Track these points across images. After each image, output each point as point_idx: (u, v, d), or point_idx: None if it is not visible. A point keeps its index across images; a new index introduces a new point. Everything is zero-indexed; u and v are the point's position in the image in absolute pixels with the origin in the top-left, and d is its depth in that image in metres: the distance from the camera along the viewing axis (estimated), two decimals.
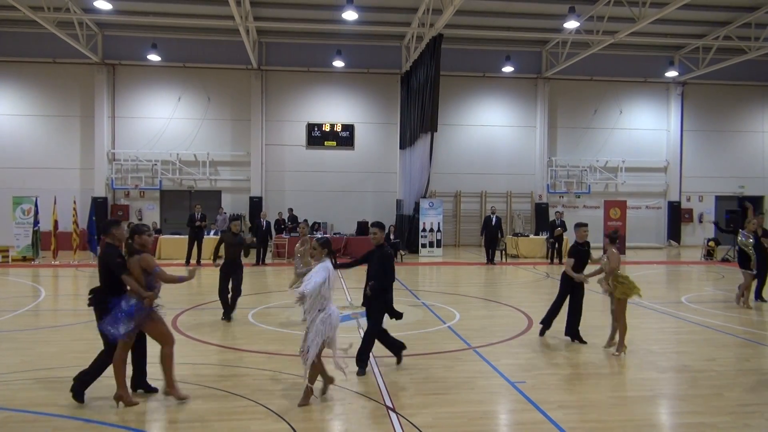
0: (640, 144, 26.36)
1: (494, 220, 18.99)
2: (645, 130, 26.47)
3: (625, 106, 26.34)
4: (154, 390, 5.87)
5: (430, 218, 21.34)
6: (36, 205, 18.79)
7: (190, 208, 22.15)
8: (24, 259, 18.27)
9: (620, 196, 25.43)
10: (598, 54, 23.28)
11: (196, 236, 17.88)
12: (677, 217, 26.44)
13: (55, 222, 18.94)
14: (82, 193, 23.22)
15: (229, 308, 9.66)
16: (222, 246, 9.95)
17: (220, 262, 9.98)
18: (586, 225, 8.56)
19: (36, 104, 23.63)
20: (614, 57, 25.32)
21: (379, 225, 6.99)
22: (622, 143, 26.24)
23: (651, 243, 25.92)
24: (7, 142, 23.31)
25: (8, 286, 13.30)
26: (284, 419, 5.19)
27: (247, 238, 11.27)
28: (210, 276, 15.63)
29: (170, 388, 5.65)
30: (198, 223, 17.98)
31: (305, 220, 20.87)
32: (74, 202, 19.91)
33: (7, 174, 23.03)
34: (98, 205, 22.59)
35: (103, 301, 5.52)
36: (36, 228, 18.57)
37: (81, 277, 15.69)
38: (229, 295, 9.67)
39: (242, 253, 10.08)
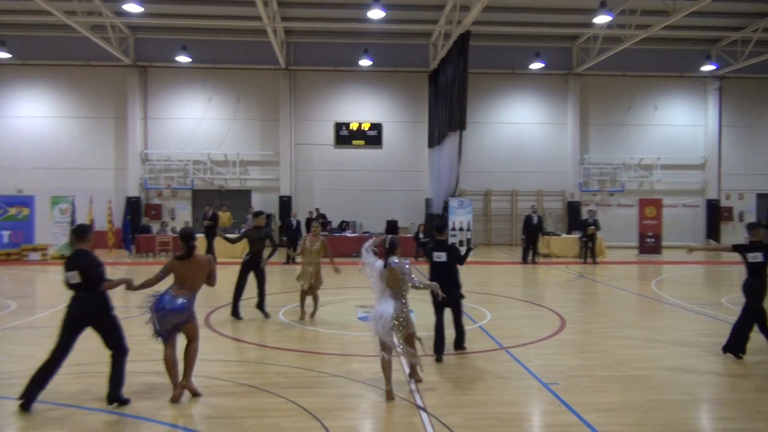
0: (676, 140, 25.70)
1: (535, 219, 18.70)
2: (681, 126, 25.81)
3: (660, 101, 25.73)
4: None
5: (459, 217, 21.17)
6: (73, 205, 19.29)
7: (219, 207, 22.44)
8: (62, 257, 18.69)
9: (656, 194, 24.85)
10: (631, 49, 22.77)
11: (207, 235, 18.15)
12: (716, 215, 25.71)
13: (91, 221, 19.38)
14: (116, 192, 23.72)
15: (238, 305, 9.62)
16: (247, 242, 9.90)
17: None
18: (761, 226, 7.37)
19: (71, 106, 24.21)
20: (648, 51, 24.72)
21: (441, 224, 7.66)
22: (658, 140, 25.63)
23: (688, 242, 25.26)
24: (44, 144, 23.94)
25: (47, 283, 13.64)
26: (316, 417, 5.18)
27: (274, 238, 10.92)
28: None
29: (188, 381, 5.71)
30: (206, 222, 18.28)
31: (318, 217, 21.01)
32: (109, 202, 20.36)
33: (46, 175, 23.64)
34: (132, 205, 23.06)
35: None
36: (73, 227, 19.01)
37: (116, 274, 16.00)
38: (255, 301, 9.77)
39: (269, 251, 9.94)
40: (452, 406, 5.54)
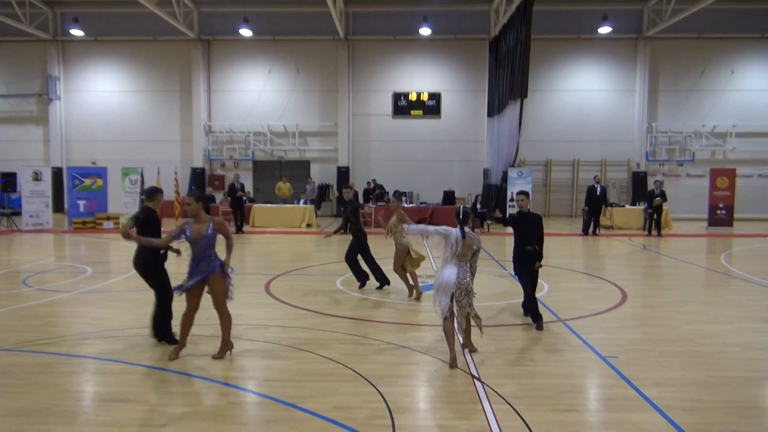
0: (753, 107, 24.17)
1: (599, 189, 18.14)
2: (760, 91, 24.21)
3: (736, 65, 24.18)
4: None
5: (518, 188, 20.75)
6: (142, 176, 20.17)
7: (279, 178, 22.94)
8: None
9: (729, 163, 23.58)
10: (707, 9, 21.42)
11: (237, 206, 18.55)
12: None
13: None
14: (182, 164, 24.64)
15: (365, 277, 9.68)
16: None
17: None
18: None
19: (140, 81, 25.13)
20: (725, 12, 23.20)
21: (525, 192, 7.34)
22: (733, 106, 24.18)
23: (764, 215, 23.91)
24: (115, 118, 25.05)
25: (120, 250, 14.39)
26: (371, 383, 5.32)
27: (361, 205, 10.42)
28: (300, 244, 16.19)
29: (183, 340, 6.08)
30: (239, 194, 18.65)
31: (375, 188, 21.19)
32: (175, 173, 21.18)
33: (117, 147, 24.79)
34: (197, 176, 23.88)
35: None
36: (143, 197, 19.89)
37: (183, 242, 16.70)
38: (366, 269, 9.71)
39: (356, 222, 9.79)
40: (507, 376, 5.55)
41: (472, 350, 6.21)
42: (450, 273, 5.84)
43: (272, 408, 4.85)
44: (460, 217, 6.01)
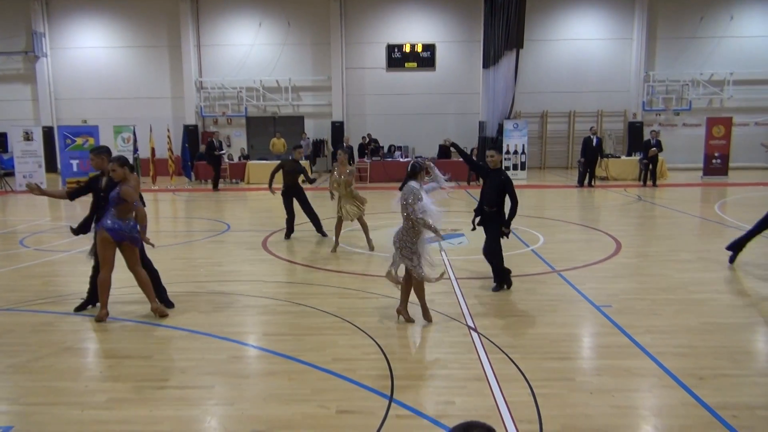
0: (752, 54, 23.79)
1: (595, 140, 18.01)
2: (760, 37, 23.77)
3: (736, 11, 23.69)
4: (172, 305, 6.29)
5: (514, 140, 20.69)
6: (134, 134, 19.96)
7: (273, 134, 22.72)
8: None
9: (725, 112, 23.38)
10: None
11: (215, 164, 18.70)
12: None
13: (152, 149, 20.07)
14: (174, 121, 24.32)
15: (292, 229, 10.30)
16: (279, 172, 10.26)
17: (277, 187, 10.32)
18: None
19: (127, 36, 24.54)
20: None
21: (497, 148, 6.88)
22: (732, 53, 23.81)
23: (759, 163, 23.91)
24: (104, 75, 24.56)
25: None
26: (369, 335, 5.41)
27: (310, 176, 10.84)
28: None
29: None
30: (218, 152, 18.73)
31: (371, 142, 21.14)
32: (168, 130, 20.92)
33: (107, 105, 24.40)
34: (190, 133, 23.62)
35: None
36: (136, 155, 19.75)
37: (178, 201, 16.69)
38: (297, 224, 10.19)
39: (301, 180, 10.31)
40: (502, 327, 5.65)
41: (406, 319, 5.82)
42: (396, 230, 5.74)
43: (272, 361, 4.95)
44: (408, 169, 5.76)
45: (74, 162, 19.68)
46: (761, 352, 5.25)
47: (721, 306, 6.27)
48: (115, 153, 20.11)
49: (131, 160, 19.97)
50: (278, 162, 10.65)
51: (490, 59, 22.89)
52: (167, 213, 14.77)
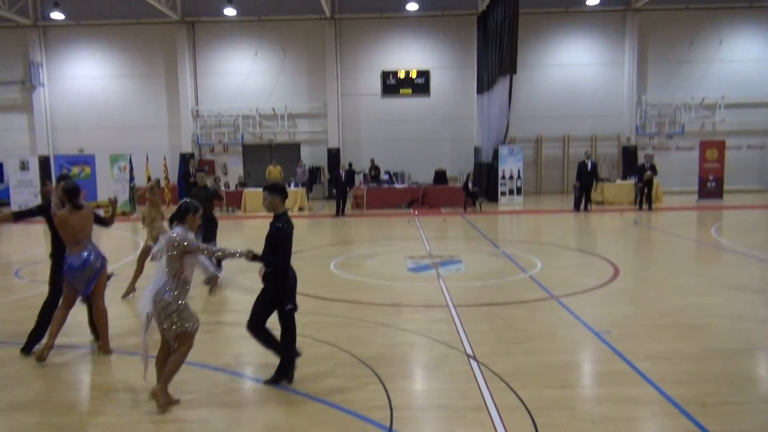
0: (743, 77, 24.14)
1: (590, 165, 18.12)
2: (748, 61, 24.17)
3: (725, 35, 24.11)
4: None
5: (509, 165, 20.81)
6: (130, 162, 19.99)
7: (270, 162, 22.81)
8: (123, 213, 19.58)
9: (718, 135, 23.63)
10: None
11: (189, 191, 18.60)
12: None
13: (148, 178, 20.06)
14: (171, 149, 24.40)
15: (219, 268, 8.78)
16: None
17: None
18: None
19: (123, 65, 24.76)
20: None
21: (271, 188, 5.05)
22: (722, 77, 24.16)
23: (753, 186, 24.07)
24: (101, 104, 24.71)
25: (110, 239, 14.31)
26: (367, 365, 5.35)
27: (219, 189, 10.20)
28: (295, 228, 16.12)
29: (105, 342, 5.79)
30: (190, 180, 18.65)
31: (372, 169, 21.11)
32: (164, 159, 20.98)
33: (104, 133, 24.49)
34: (186, 161, 23.68)
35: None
36: (132, 184, 19.77)
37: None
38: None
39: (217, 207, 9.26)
40: (502, 354, 5.59)
41: (159, 402, 4.47)
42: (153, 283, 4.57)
43: (269, 392, 4.87)
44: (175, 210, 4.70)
45: None
46: (763, 378, 5.21)
47: (721, 331, 6.24)
48: (111, 182, 19.87)
49: (127, 189, 20.02)
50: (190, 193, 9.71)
51: (484, 85, 23.17)
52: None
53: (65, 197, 5.63)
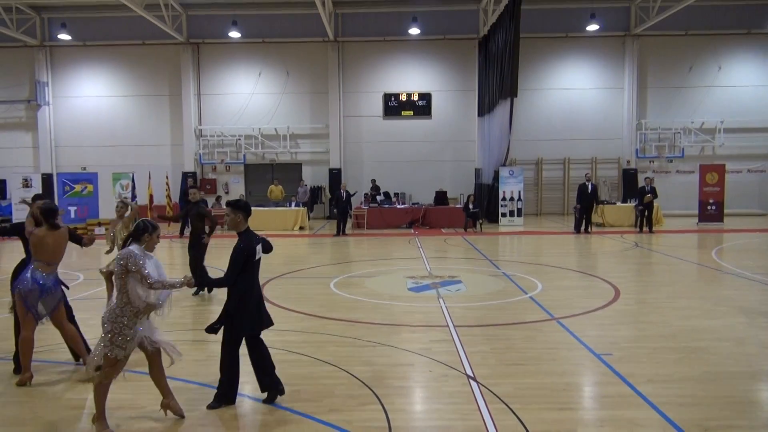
0: (742, 102, 24.34)
1: (590, 187, 18.18)
2: (747, 86, 24.40)
3: (724, 61, 24.36)
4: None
5: (510, 187, 20.87)
6: (133, 181, 20.08)
7: (272, 181, 22.90)
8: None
9: (718, 159, 23.72)
10: (694, 6, 21.59)
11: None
12: None
13: (150, 196, 20.15)
14: (173, 168, 24.51)
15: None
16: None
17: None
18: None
19: (129, 85, 25.00)
20: (712, 8, 23.42)
21: (234, 205, 4.93)
22: (721, 102, 24.35)
23: (753, 209, 24.10)
24: (105, 122, 24.90)
25: (111, 257, 14.33)
26: (367, 385, 5.31)
27: (205, 210, 9.90)
28: (296, 247, 16.14)
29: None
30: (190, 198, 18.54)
31: (374, 187, 21.13)
32: (167, 177, 21.08)
33: (107, 152, 24.64)
34: (188, 180, 23.77)
35: None
36: (134, 202, 19.79)
37: (175, 247, 16.64)
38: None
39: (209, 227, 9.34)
40: (502, 376, 5.55)
41: (174, 411, 4.68)
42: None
43: (268, 412, 4.83)
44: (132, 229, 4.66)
45: (72, 209, 19.72)
46: (766, 402, 5.16)
47: (722, 354, 6.19)
48: (113, 199, 19.91)
49: (129, 206, 20.00)
50: (185, 209, 10.07)
51: (485, 107, 23.35)
52: (163, 259, 14.68)
53: (42, 217, 5.55)
